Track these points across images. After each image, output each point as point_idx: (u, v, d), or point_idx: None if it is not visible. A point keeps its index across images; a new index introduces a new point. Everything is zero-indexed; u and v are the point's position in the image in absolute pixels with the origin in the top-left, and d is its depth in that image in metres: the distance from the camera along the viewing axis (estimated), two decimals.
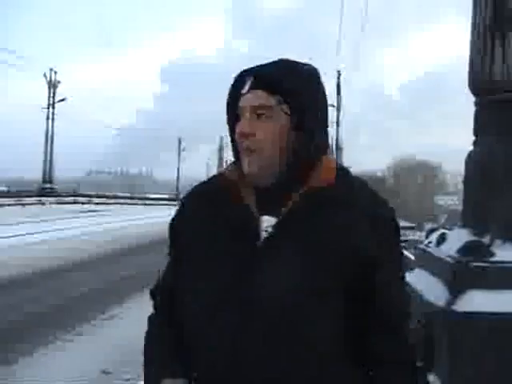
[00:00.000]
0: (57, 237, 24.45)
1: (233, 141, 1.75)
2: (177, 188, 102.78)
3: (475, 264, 3.17)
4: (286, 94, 1.66)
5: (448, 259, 3.31)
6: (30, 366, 7.37)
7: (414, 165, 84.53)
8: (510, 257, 3.22)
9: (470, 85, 3.70)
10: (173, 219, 1.85)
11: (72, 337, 8.79)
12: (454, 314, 3.03)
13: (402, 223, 37.31)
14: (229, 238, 1.64)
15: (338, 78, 50.22)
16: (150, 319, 1.89)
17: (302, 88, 1.68)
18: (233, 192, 1.70)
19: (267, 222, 1.63)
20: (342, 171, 1.71)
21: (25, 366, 7.27)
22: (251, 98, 1.67)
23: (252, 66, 1.75)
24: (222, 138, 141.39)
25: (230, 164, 1.81)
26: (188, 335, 1.68)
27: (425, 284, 3.48)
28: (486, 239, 3.34)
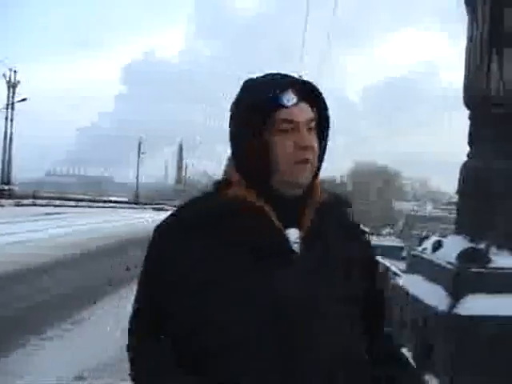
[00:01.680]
0: (18, 240, 24.14)
1: (259, 152, 1.67)
2: (137, 190, 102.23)
3: (475, 270, 3.31)
4: (321, 110, 1.70)
5: (447, 265, 3.45)
6: (3, 371, 7.32)
7: (373, 171, 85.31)
8: (507, 263, 3.37)
9: (464, 98, 3.84)
10: (159, 250, 1.71)
11: (42, 342, 8.69)
12: (456, 317, 3.17)
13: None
14: (254, 255, 1.59)
15: None
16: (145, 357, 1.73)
17: (326, 105, 1.71)
18: (247, 208, 1.66)
19: (293, 233, 1.63)
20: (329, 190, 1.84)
21: None
22: (303, 111, 1.66)
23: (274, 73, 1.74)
24: (181, 140, 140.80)
25: (226, 181, 1.75)
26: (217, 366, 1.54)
27: (422, 289, 3.62)
28: (482, 246, 3.48)
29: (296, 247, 1.59)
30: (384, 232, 46.04)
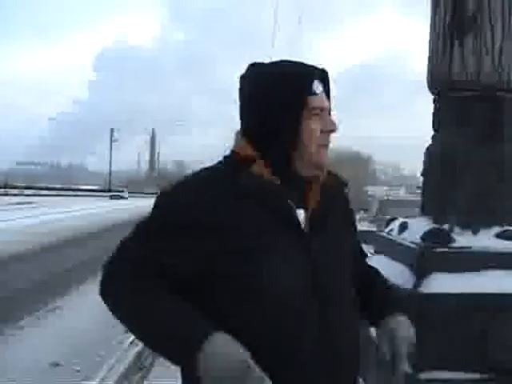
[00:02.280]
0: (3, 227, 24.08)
1: (286, 134, 1.84)
2: (109, 179, 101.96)
3: (438, 250, 3.41)
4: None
5: (411, 245, 3.55)
6: None
7: (344, 155, 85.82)
8: (468, 242, 3.48)
9: (428, 83, 3.93)
10: (186, 202, 1.80)
11: (16, 330, 8.75)
12: (420, 295, 3.27)
13: None
14: (279, 226, 1.79)
15: None
16: (121, 283, 1.83)
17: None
18: (273, 189, 1.82)
19: (301, 213, 1.84)
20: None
21: None
22: (325, 99, 1.87)
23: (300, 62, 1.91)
24: (153, 130, 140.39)
25: (235, 153, 1.90)
26: (262, 316, 1.73)
27: (389, 269, 3.70)
28: (445, 226, 3.59)
29: (304, 227, 1.81)
30: (358, 217, 46.44)
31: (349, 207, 2.07)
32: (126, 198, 79.25)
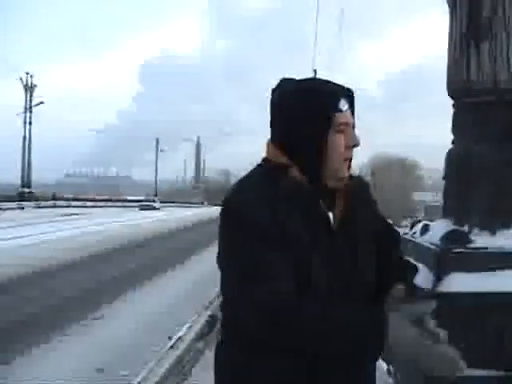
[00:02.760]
0: (42, 239, 24.55)
1: (316, 147, 1.99)
2: (155, 189, 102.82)
3: (456, 250, 3.53)
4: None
5: (432, 246, 3.67)
6: (26, 365, 7.57)
7: (391, 161, 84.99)
8: (486, 243, 3.59)
9: (447, 88, 4.05)
10: (261, 216, 1.91)
11: (64, 337, 9.01)
12: (438, 294, 3.39)
13: None
14: (315, 228, 1.97)
15: (315, 76, 50.22)
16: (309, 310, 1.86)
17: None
18: (310, 194, 2.00)
19: (331, 217, 2.02)
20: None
21: (21, 365, 7.46)
22: (350, 115, 2.01)
23: (329, 80, 2.06)
24: (198, 138, 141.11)
25: (267, 160, 2.08)
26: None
27: None
28: (464, 228, 3.69)
29: (334, 227, 2.00)
30: (403, 224, 46.09)
31: (373, 206, 2.23)
32: (158, 209, 73.56)
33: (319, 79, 2.10)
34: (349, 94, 2.03)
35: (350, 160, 2.02)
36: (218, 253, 1.99)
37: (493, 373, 3.40)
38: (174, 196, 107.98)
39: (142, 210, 68.03)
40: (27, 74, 61.36)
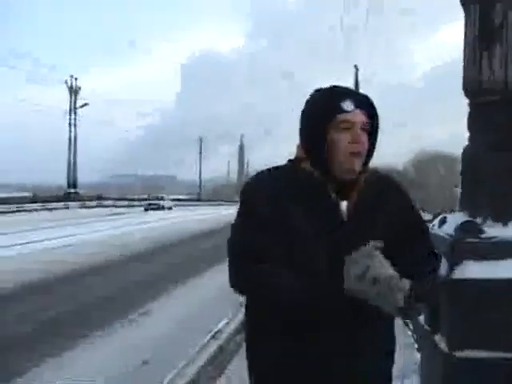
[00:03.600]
0: (87, 239, 25.19)
1: (321, 143, 2.28)
2: (199, 188, 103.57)
3: (468, 240, 3.79)
4: (374, 117, 2.31)
5: (447, 237, 3.94)
6: (71, 359, 7.98)
7: (434, 157, 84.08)
8: (497, 233, 3.84)
9: (463, 88, 4.31)
10: (260, 195, 2.28)
11: (108, 332, 9.39)
12: (452, 280, 3.66)
13: (426, 217, 37.75)
14: (323, 215, 2.24)
15: (356, 73, 49.91)
16: (260, 273, 2.23)
17: (377, 115, 2.34)
18: (316, 183, 2.28)
19: (343, 205, 2.27)
20: (376, 169, 2.45)
21: (52, 367, 7.85)
22: (357, 115, 2.27)
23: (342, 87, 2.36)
24: (242, 136, 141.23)
25: (297, 159, 2.37)
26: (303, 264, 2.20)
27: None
28: (478, 220, 3.96)
29: (344, 216, 2.26)
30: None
31: (401, 204, 2.41)
32: (170, 209, 63.57)
33: (336, 86, 2.37)
34: (360, 99, 2.31)
35: (357, 155, 2.26)
36: None
37: (501, 354, 3.65)
38: (217, 195, 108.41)
39: (147, 210, 58.42)
40: (71, 76, 62.56)
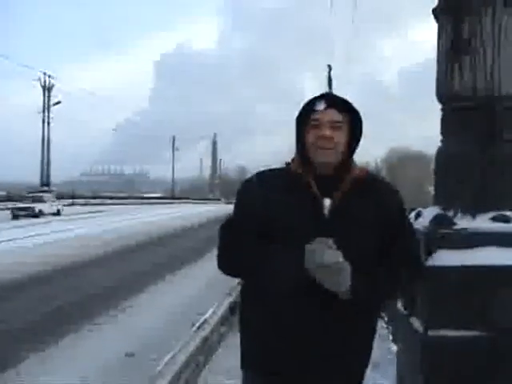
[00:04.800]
0: (65, 237, 25.27)
1: (301, 142, 2.54)
2: (172, 186, 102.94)
3: (442, 231, 4.20)
4: (350, 114, 2.54)
5: (422, 228, 4.36)
6: (59, 354, 8.25)
7: (407, 156, 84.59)
8: (467, 225, 4.24)
9: (436, 94, 4.74)
10: (251, 195, 2.58)
11: (93, 327, 9.66)
12: (428, 268, 4.07)
13: None
14: (305, 211, 2.46)
15: (329, 72, 50.17)
16: (232, 240, 2.59)
17: (356, 111, 2.56)
18: (301, 180, 2.50)
19: (326, 201, 2.46)
20: (367, 169, 2.73)
21: (54, 354, 8.15)
22: (329, 114, 2.48)
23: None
24: (215, 135, 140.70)
25: (293, 160, 2.60)
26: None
27: None
28: (450, 213, 4.38)
29: (326, 212, 2.46)
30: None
31: (387, 205, 2.57)
32: (57, 214, 43.88)
33: (325, 93, 2.63)
34: (336, 100, 2.53)
35: (326, 149, 2.47)
36: None
37: (476, 333, 4.06)
38: (190, 193, 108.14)
39: (16, 217, 39.43)
40: (45, 74, 62.17)
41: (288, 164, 2.64)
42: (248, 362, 2.63)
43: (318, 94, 2.59)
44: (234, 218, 2.65)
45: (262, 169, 2.73)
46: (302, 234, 2.41)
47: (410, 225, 2.81)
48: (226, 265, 2.63)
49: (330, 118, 2.49)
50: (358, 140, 2.59)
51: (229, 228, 2.64)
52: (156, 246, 22.66)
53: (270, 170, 2.69)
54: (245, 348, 2.64)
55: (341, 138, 2.50)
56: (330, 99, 2.54)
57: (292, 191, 2.49)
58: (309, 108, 2.54)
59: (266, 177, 2.64)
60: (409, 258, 2.62)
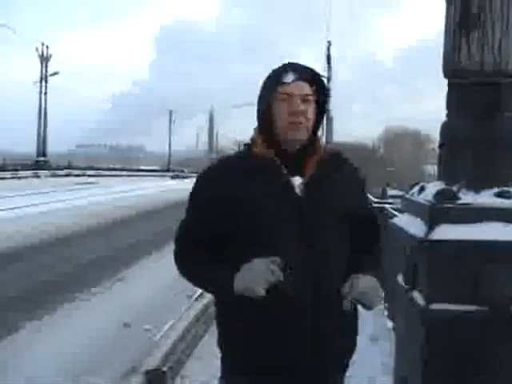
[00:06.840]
0: (61, 207, 25.27)
1: (266, 118, 2.40)
2: (169, 160, 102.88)
3: (445, 205, 4.22)
4: (320, 87, 2.41)
5: (425, 203, 4.37)
6: (55, 322, 8.33)
7: (403, 134, 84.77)
8: (470, 200, 4.26)
9: (442, 70, 4.72)
10: (207, 189, 2.42)
11: (89, 296, 9.73)
12: (429, 242, 4.09)
13: (392, 192, 38.06)
14: (276, 191, 2.34)
15: (328, 48, 50.17)
16: (185, 257, 2.49)
17: (325, 85, 2.44)
18: (266, 162, 2.36)
19: (297, 180, 2.37)
20: (331, 147, 2.76)
21: (50, 323, 8.22)
22: (299, 87, 2.35)
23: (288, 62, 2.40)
24: (212, 108, 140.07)
25: (253, 141, 2.47)
26: (263, 247, 2.30)
27: (408, 223, 4.56)
28: (454, 188, 4.39)
29: (298, 191, 2.36)
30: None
31: (355, 180, 2.55)
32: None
33: (286, 63, 2.42)
34: (305, 73, 2.39)
35: (298, 125, 2.36)
36: None
37: (472, 307, 4.08)
38: (186, 166, 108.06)
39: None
40: (42, 44, 61.75)
41: (247, 145, 2.53)
42: (242, 366, 2.41)
43: (283, 63, 2.45)
44: (187, 226, 2.53)
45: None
46: (276, 218, 2.33)
47: (374, 215, 2.78)
48: (185, 277, 2.60)
49: (300, 91, 2.36)
50: (324, 115, 2.50)
51: (182, 241, 2.55)
52: (152, 216, 22.65)
53: (228, 157, 2.59)
54: (234, 353, 2.44)
55: (311, 112, 2.41)
56: (299, 70, 2.41)
57: (258, 174, 2.36)
58: (276, 80, 2.40)
59: (224, 165, 2.51)
60: (373, 225, 2.67)
